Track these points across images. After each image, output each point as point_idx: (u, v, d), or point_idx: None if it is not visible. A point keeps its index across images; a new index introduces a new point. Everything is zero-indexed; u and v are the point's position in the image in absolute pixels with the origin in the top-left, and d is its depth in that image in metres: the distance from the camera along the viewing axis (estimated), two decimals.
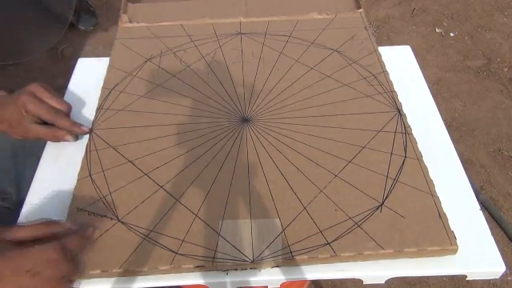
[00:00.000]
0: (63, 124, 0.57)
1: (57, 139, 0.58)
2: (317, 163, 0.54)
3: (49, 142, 0.59)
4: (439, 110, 0.62)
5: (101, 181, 0.53)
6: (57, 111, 0.57)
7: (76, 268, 0.45)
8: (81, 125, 0.58)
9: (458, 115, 1.54)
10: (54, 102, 0.57)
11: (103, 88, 0.64)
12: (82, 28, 1.85)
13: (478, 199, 0.51)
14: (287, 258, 0.45)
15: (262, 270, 0.46)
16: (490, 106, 1.57)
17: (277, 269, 0.46)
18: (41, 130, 0.57)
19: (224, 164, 0.54)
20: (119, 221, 0.49)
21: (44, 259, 0.43)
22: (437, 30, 1.86)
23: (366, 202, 0.50)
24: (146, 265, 0.45)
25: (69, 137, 0.58)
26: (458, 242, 0.46)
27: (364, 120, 0.59)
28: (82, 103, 0.64)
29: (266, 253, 0.46)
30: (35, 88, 0.57)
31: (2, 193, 0.68)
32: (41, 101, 0.56)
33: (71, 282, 0.46)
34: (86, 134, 0.58)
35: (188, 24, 0.74)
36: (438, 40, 1.82)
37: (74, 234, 0.47)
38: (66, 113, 0.59)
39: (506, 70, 1.68)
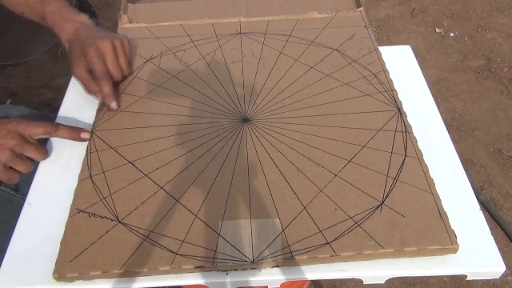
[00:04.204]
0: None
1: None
2: (317, 163, 0.54)
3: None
4: (439, 109, 0.62)
5: (101, 182, 0.53)
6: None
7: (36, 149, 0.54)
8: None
9: (458, 115, 1.54)
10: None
11: None
12: None
13: (478, 199, 0.51)
14: (287, 258, 0.45)
15: (262, 270, 0.46)
16: (489, 106, 1.57)
17: (277, 269, 0.46)
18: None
19: (224, 164, 0.54)
20: (119, 222, 0.49)
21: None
22: (437, 30, 1.86)
23: (366, 201, 0.50)
24: (146, 265, 0.45)
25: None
26: (458, 241, 0.46)
27: (364, 119, 0.58)
28: (82, 104, 0.64)
29: (266, 253, 0.46)
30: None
31: None
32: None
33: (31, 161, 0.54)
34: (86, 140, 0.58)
35: (188, 24, 0.74)
36: (437, 40, 1.82)
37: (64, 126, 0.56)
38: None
39: (506, 70, 1.68)
